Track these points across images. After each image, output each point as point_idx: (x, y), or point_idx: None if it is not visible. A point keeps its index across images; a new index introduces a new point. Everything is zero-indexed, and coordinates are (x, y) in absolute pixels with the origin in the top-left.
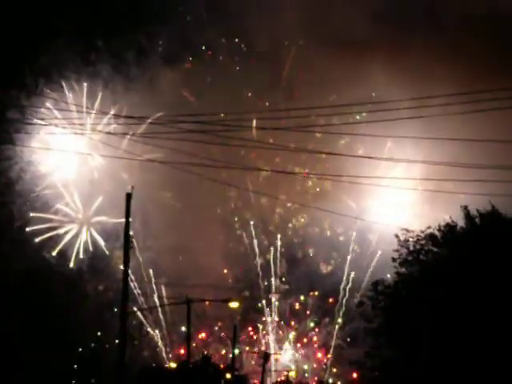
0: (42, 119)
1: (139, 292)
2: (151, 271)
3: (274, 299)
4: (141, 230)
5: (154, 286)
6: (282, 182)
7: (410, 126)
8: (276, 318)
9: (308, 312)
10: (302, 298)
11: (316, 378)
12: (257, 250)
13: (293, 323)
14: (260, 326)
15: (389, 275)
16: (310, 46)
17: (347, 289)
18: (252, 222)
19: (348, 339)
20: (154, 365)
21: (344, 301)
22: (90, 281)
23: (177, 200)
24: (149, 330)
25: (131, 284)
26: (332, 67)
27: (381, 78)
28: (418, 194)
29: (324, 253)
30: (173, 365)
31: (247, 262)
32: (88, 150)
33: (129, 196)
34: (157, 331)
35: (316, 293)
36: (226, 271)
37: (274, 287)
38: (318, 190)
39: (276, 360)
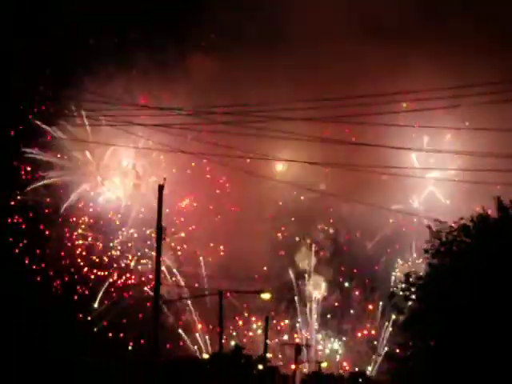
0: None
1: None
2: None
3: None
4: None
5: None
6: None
7: (448, 117)
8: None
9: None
10: (346, 284)
11: (356, 369)
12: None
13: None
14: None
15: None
16: (345, 37)
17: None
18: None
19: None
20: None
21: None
22: None
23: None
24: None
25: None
26: (366, 57)
27: (418, 69)
28: (455, 185)
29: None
30: (205, 356)
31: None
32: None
33: (161, 188)
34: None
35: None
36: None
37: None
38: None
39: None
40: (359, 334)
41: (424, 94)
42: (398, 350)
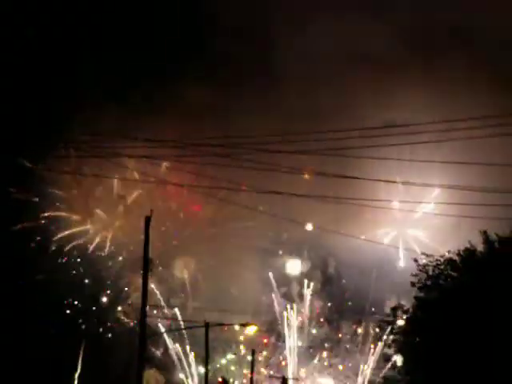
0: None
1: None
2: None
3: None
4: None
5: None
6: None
7: (437, 150)
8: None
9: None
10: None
11: None
12: None
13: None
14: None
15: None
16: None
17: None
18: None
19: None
20: None
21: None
22: None
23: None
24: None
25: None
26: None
27: (404, 100)
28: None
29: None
30: None
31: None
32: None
33: (148, 219)
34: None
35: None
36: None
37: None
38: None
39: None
40: (350, 365)
41: (411, 128)
42: None
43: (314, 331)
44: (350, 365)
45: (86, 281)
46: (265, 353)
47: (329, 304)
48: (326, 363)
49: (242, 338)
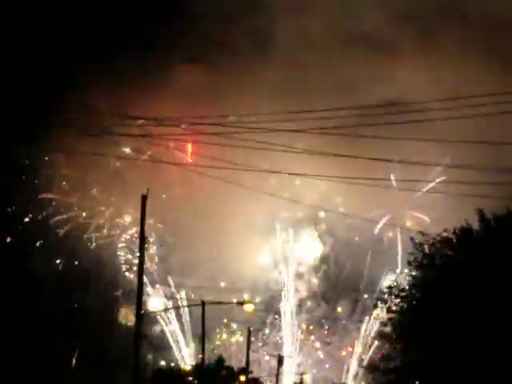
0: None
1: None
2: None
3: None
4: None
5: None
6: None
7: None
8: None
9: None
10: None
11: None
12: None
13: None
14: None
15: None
16: (334, 46)
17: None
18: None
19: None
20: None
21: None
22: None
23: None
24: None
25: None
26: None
27: (406, 78)
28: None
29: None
30: (187, 367)
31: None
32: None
33: (144, 198)
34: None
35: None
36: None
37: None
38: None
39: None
40: (344, 351)
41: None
42: (380, 362)
43: (311, 309)
44: (348, 346)
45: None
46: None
47: (326, 282)
48: (325, 340)
49: (240, 316)
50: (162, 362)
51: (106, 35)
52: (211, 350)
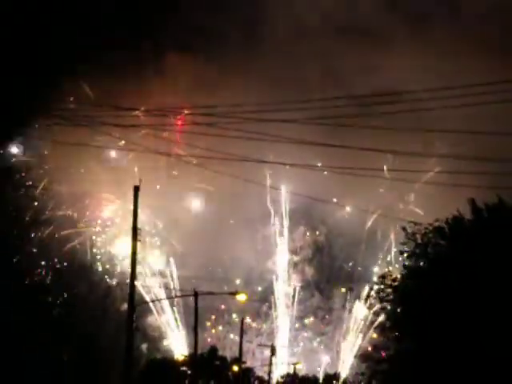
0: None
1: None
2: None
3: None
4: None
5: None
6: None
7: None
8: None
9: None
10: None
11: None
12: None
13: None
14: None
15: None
16: (327, 36)
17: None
18: None
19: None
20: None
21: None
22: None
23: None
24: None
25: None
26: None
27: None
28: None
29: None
30: (180, 357)
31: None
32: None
33: (137, 189)
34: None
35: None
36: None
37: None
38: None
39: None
40: (338, 341)
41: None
42: (373, 351)
43: (305, 299)
44: (341, 336)
45: None
46: (255, 322)
47: (320, 272)
48: (319, 330)
49: (234, 306)
50: (157, 354)
51: (94, 25)
52: (204, 340)
